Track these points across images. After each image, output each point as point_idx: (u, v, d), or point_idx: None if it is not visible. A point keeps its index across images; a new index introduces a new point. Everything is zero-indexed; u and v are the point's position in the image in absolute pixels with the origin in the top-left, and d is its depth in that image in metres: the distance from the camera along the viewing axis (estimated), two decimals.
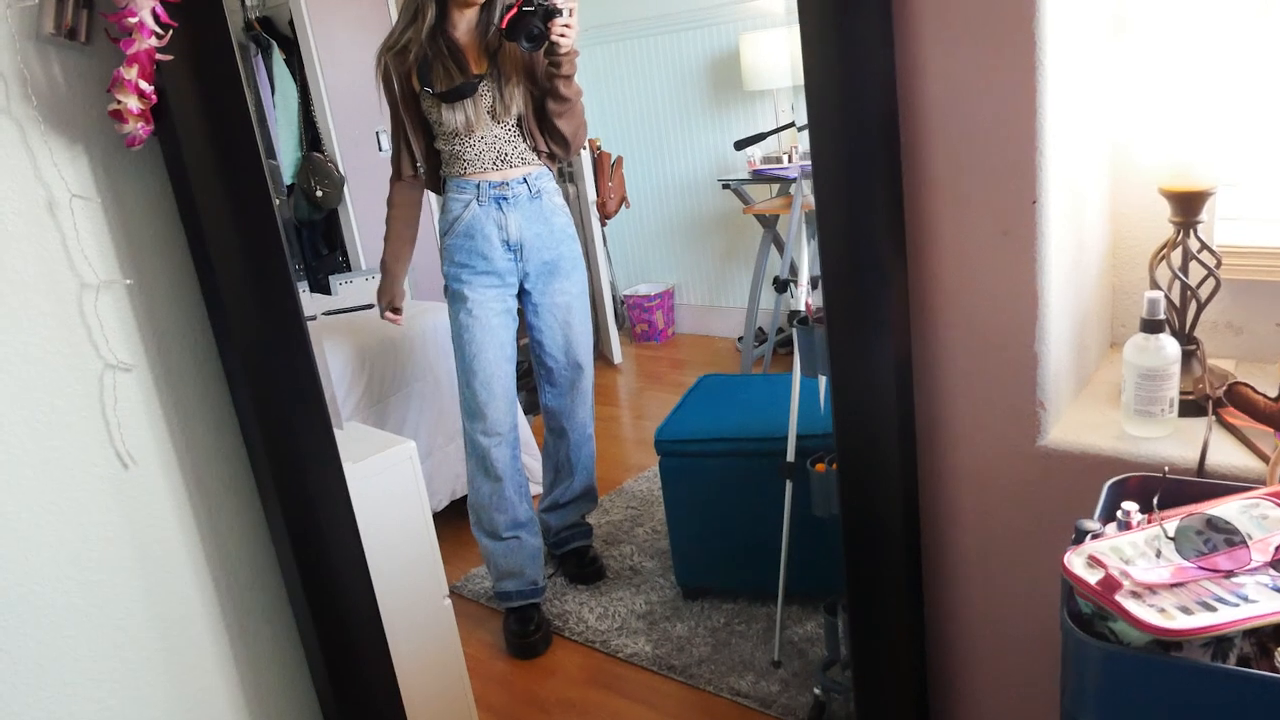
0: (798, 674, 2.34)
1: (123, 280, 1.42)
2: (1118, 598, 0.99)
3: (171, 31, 1.28)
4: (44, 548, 1.39)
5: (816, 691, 2.17)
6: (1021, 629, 1.56)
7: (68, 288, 1.37)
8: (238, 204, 1.40)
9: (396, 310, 2.66)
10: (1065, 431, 1.45)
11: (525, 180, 2.49)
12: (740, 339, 4.62)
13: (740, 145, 3.07)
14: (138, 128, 1.31)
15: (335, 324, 3.21)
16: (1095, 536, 1.12)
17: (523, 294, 2.60)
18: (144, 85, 1.28)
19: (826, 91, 1.39)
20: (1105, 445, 1.40)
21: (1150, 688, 0.97)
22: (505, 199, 2.47)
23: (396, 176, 2.57)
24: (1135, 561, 1.06)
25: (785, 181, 4.23)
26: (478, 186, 2.45)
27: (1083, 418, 1.49)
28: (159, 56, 1.28)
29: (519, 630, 2.62)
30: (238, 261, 1.42)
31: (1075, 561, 1.06)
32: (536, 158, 2.51)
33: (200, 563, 1.56)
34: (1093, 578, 1.02)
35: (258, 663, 1.66)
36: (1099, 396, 1.56)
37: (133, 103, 1.28)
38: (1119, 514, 1.14)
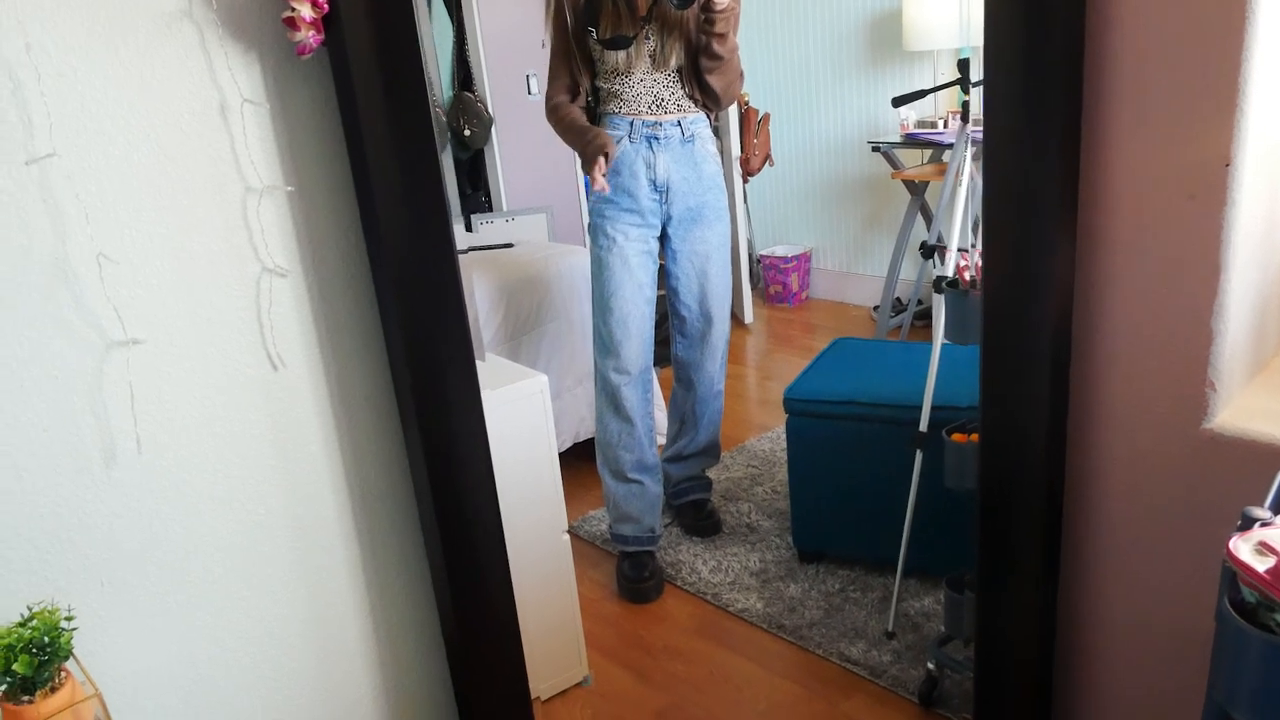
0: (911, 647, 2.28)
1: (284, 186, 1.46)
2: None
3: None
4: (195, 439, 1.45)
5: (930, 666, 2.11)
6: (1162, 617, 1.48)
7: (233, 190, 1.42)
8: (399, 121, 1.42)
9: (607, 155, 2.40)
10: (1235, 417, 1.35)
11: (679, 123, 2.48)
12: (876, 307, 4.51)
13: (899, 102, 2.95)
14: (308, 36, 1.33)
15: (476, 260, 3.26)
16: (1264, 525, 1.04)
17: (664, 238, 2.59)
18: None
19: (1008, 37, 1.31)
20: None
21: None
22: (657, 139, 2.47)
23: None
24: None
25: (939, 147, 4.08)
26: (631, 124, 2.46)
27: (1255, 404, 1.39)
28: None
29: (633, 575, 2.63)
30: (395, 176, 1.43)
31: (1242, 548, 0.99)
32: (693, 105, 2.50)
33: (337, 469, 1.61)
34: (1262, 566, 0.95)
35: (384, 572, 1.71)
36: (1274, 384, 1.45)
37: (305, 10, 1.31)
38: None
